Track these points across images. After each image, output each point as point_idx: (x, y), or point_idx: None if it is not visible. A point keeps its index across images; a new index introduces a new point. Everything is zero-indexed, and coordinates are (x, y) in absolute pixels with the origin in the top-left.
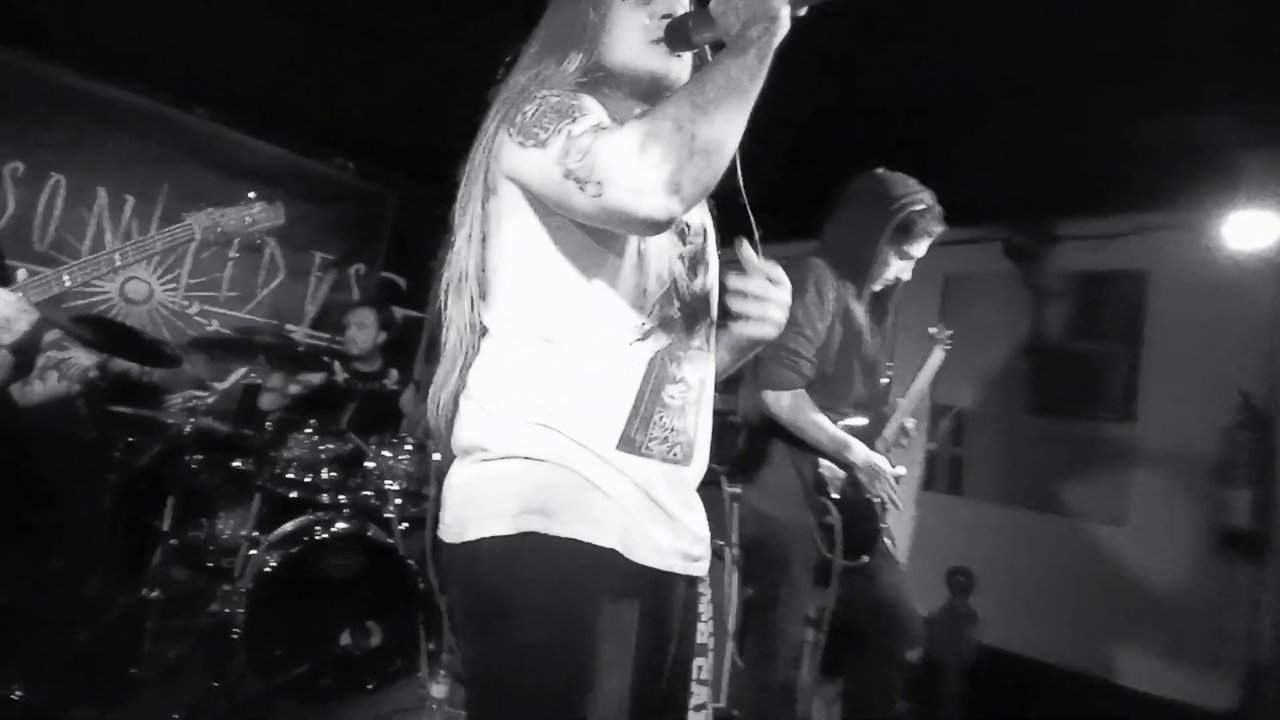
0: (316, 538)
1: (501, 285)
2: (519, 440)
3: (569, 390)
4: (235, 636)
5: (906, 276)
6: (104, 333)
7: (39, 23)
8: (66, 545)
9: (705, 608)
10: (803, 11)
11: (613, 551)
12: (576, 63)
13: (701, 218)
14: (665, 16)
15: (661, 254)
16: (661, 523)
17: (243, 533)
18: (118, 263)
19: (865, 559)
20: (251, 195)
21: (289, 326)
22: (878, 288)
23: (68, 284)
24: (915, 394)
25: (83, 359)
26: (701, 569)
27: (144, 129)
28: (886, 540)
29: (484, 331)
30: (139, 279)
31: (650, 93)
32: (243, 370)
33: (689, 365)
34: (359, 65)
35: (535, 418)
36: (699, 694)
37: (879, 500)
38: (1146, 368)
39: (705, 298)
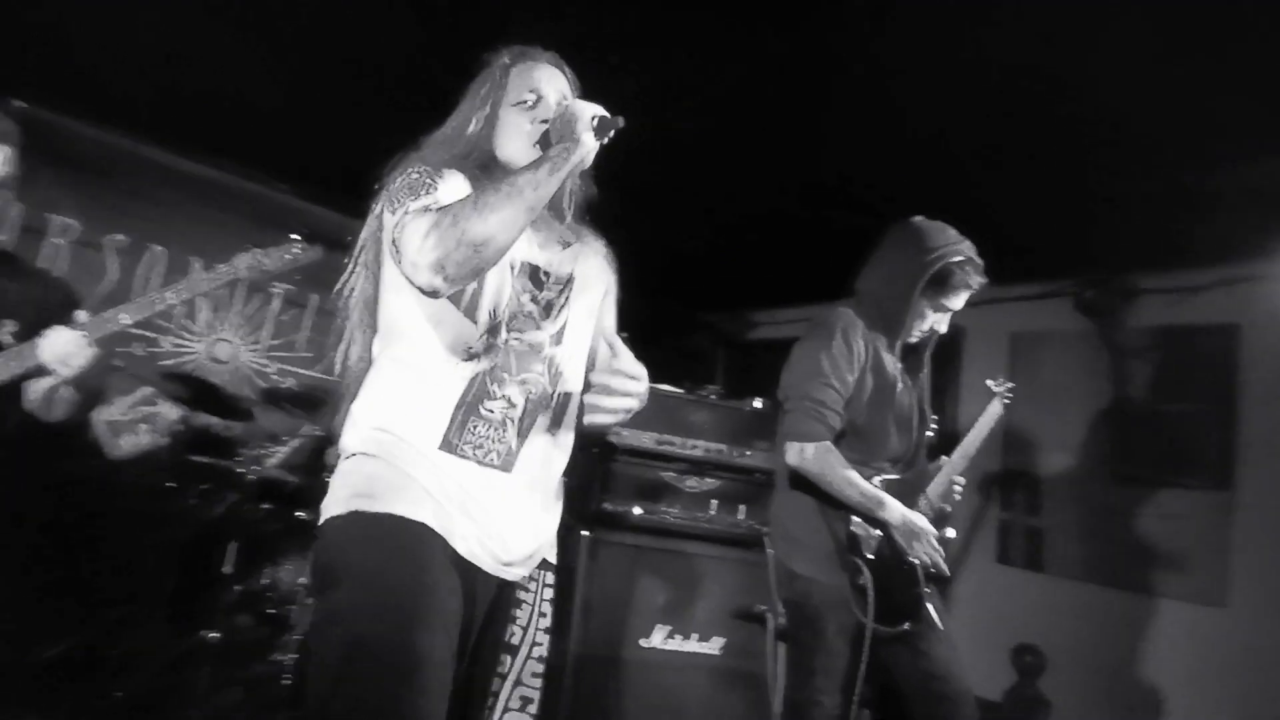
0: None
1: (386, 320)
2: (363, 441)
3: (405, 400)
4: (285, 684)
5: (942, 329)
6: (189, 388)
7: (136, 107)
8: (133, 589)
9: (523, 612)
10: (604, 140)
11: (425, 526)
12: (456, 149)
13: (572, 269)
14: (544, 122)
15: (497, 294)
16: (476, 521)
17: (300, 581)
18: (170, 299)
19: (906, 626)
20: (294, 237)
21: None
22: (912, 339)
23: (125, 322)
24: (966, 450)
25: (170, 413)
26: (513, 575)
27: (230, 203)
28: (930, 608)
29: (372, 361)
30: (225, 340)
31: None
32: (312, 426)
33: (514, 387)
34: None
35: (377, 423)
36: (503, 690)
37: (919, 563)
38: (1243, 429)
39: (547, 334)
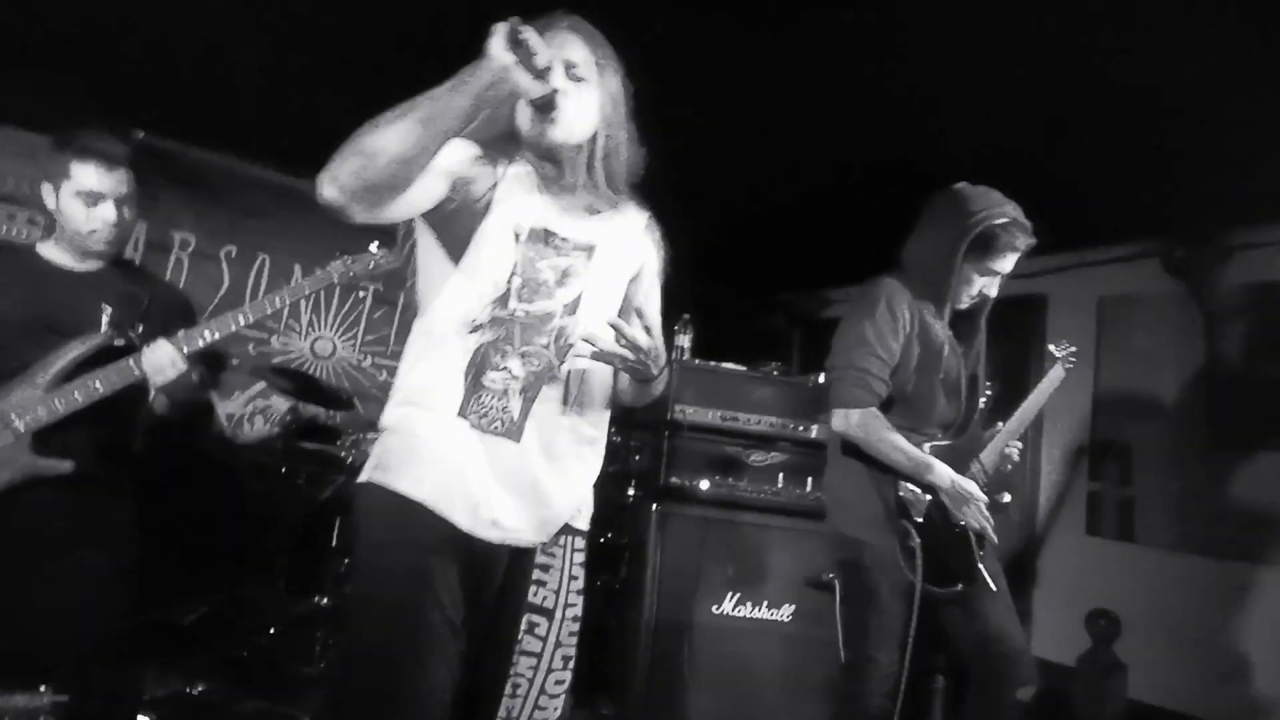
0: None
1: (415, 296)
2: (388, 415)
3: (425, 372)
4: None
5: (993, 292)
6: (295, 382)
7: (242, 132)
8: (255, 562)
9: (551, 576)
10: (515, 50)
11: (423, 507)
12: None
13: (591, 237)
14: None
15: (497, 267)
16: (480, 491)
17: None
18: (243, 319)
19: (960, 587)
20: (374, 245)
21: None
22: (963, 305)
23: (209, 338)
24: (1023, 416)
25: (281, 405)
26: (522, 540)
27: (322, 210)
28: (984, 569)
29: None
30: (325, 338)
31: (538, 154)
32: None
33: (515, 359)
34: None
35: (402, 396)
36: (545, 650)
37: (971, 526)
38: None
39: (560, 304)
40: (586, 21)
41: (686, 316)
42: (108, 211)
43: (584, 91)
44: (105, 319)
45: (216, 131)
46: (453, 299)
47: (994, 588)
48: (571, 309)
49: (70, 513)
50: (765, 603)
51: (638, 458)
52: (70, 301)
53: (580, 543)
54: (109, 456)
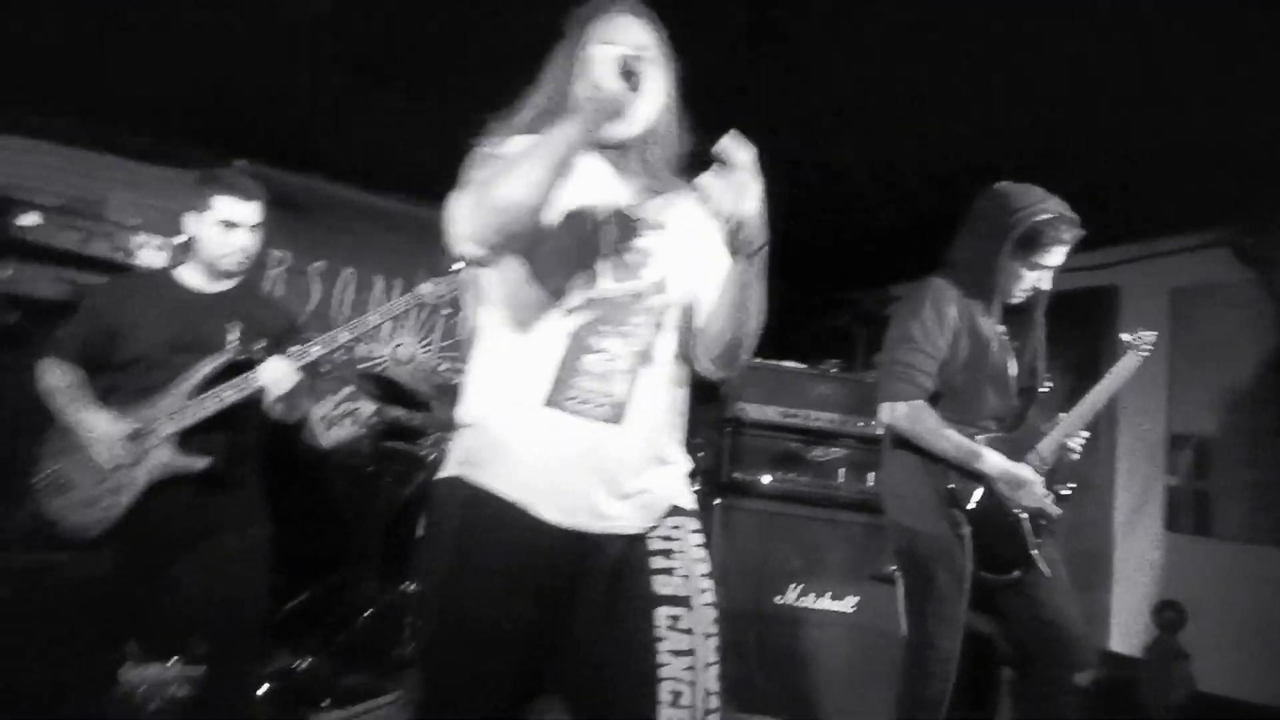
0: None
1: (484, 286)
2: (468, 412)
3: (507, 364)
4: None
5: (1046, 286)
6: (379, 386)
7: (327, 153)
8: (348, 553)
9: (676, 562)
10: (632, 83)
11: (510, 504)
12: (533, 113)
13: (661, 216)
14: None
15: (585, 249)
16: (579, 477)
17: None
18: (346, 336)
19: (1016, 574)
20: (456, 267)
21: None
22: (1016, 300)
23: (316, 353)
24: (1089, 405)
25: (367, 408)
26: (629, 526)
27: (405, 226)
28: (1038, 556)
29: (478, 330)
30: (405, 344)
31: (601, 144)
32: None
33: (617, 339)
34: None
35: (481, 391)
36: (675, 641)
37: (1026, 513)
38: None
39: (649, 282)
40: (641, 3)
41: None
42: (242, 238)
43: (649, 76)
44: (233, 336)
45: (305, 156)
46: (534, 287)
47: (1048, 574)
48: (660, 287)
49: (205, 504)
50: (829, 594)
51: (700, 454)
52: (203, 320)
53: (695, 524)
54: (238, 456)
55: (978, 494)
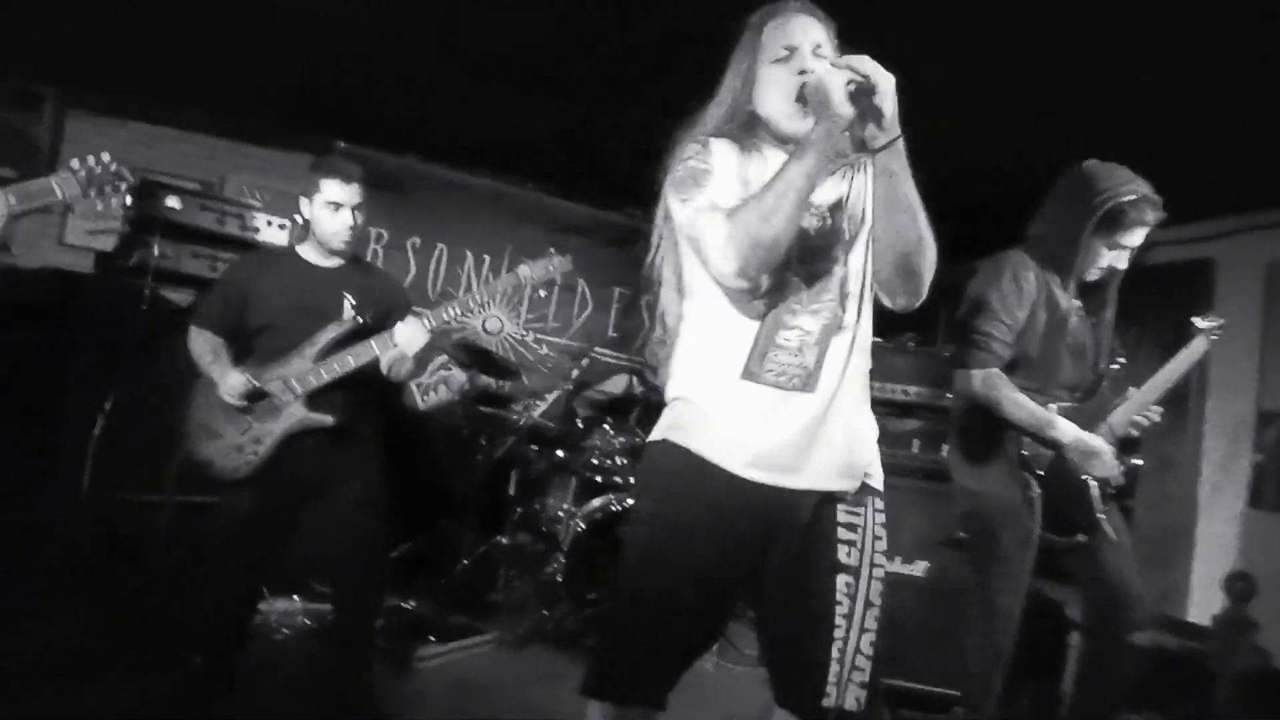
0: (612, 509)
1: (688, 280)
2: (678, 386)
3: (709, 344)
4: (559, 580)
5: (1122, 265)
6: (471, 355)
7: (422, 132)
8: (449, 509)
9: (857, 535)
10: (863, 107)
11: (716, 466)
12: (722, 113)
13: (838, 191)
14: (801, 73)
15: None
16: (779, 440)
17: (564, 506)
18: (478, 299)
19: (1081, 538)
20: (551, 251)
21: (596, 348)
22: (1093, 277)
23: (452, 314)
24: (1158, 383)
25: (460, 375)
26: (827, 485)
27: (492, 204)
28: (1104, 520)
29: (683, 318)
30: (494, 316)
31: (786, 141)
32: (570, 377)
33: (807, 316)
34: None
35: (688, 369)
36: (855, 610)
37: (1094, 480)
38: None
39: (830, 259)
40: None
41: None
42: (346, 217)
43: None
44: (348, 306)
45: (402, 138)
46: None
47: (1114, 538)
48: (844, 261)
49: (331, 455)
50: (899, 558)
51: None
52: (322, 292)
53: (881, 503)
54: (360, 412)
55: (1049, 458)
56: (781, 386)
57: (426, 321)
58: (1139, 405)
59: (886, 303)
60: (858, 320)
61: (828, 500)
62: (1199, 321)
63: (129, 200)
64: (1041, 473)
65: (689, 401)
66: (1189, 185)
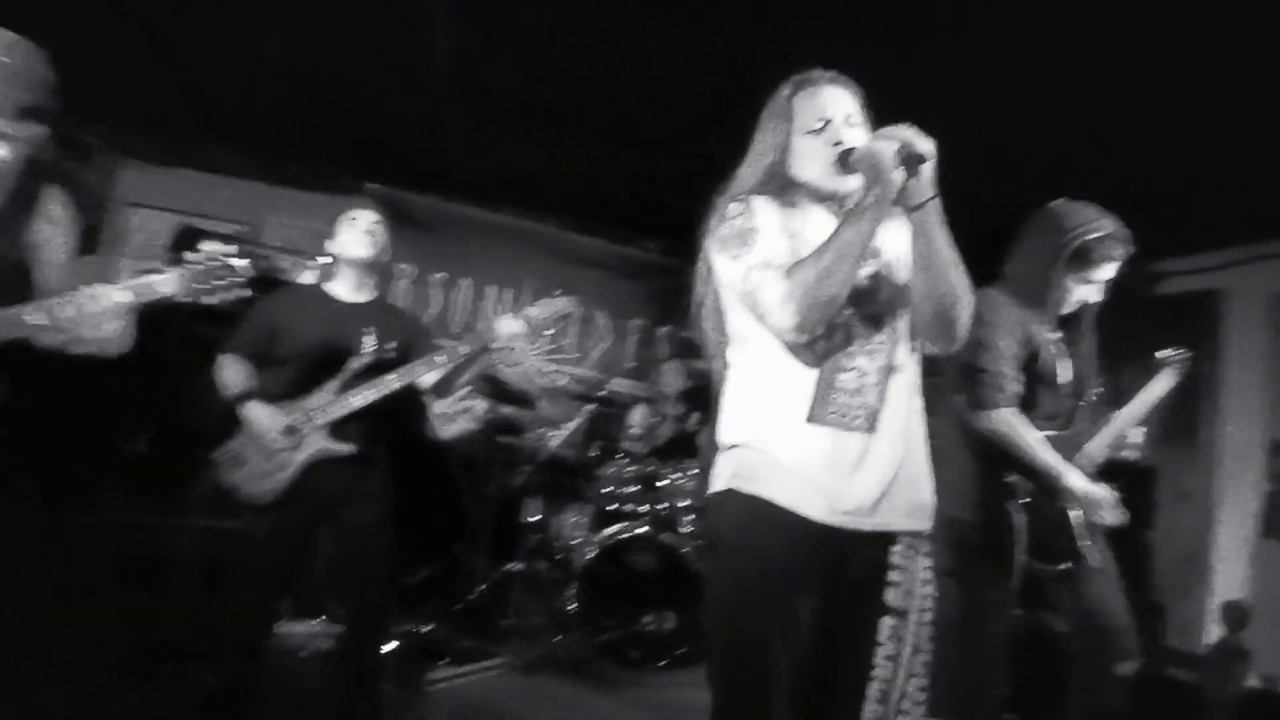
0: (622, 538)
1: (734, 332)
2: (738, 433)
3: (768, 390)
4: (571, 608)
5: (1096, 298)
6: (491, 385)
7: (445, 172)
8: (463, 534)
9: (903, 577)
10: (914, 173)
11: (786, 510)
12: (758, 176)
13: (882, 237)
14: (836, 144)
15: None
16: (840, 482)
17: (579, 534)
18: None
19: (1065, 566)
20: (558, 292)
21: (615, 379)
22: (1068, 310)
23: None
24: (1130, 415)
25: (481, 405)
26: (890, 525)
27: (513, 239)
28: (1086, 550)
29: (732, 365)
30: (515, 348)
31: (825, 199)
32: (586, 410)
33: (863, 356)
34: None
35: (747, 415)
36: (903, 653)
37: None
38: None
39: (881, 302)
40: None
41: None
42: (364, 226)
43: (860, 135)
44: (370, 340)
45: (426, 179)
46: None
47: (1096, 566)
48: (890, 305)
49: (349, 482)
50: None
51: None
52: (346, 326)
53: (927, 547)
54: (377, 441)
55: (1030, 489)
56: (847, 427)
57: (524, 320)
58: (1113, 435)
59: (927, 349)
60: (910, 360)
61: (883, 547)
62: (1162, 355)
63: (242, 294)
64: (1024, 501)
65: (750, 448)
66: (1198, 216)
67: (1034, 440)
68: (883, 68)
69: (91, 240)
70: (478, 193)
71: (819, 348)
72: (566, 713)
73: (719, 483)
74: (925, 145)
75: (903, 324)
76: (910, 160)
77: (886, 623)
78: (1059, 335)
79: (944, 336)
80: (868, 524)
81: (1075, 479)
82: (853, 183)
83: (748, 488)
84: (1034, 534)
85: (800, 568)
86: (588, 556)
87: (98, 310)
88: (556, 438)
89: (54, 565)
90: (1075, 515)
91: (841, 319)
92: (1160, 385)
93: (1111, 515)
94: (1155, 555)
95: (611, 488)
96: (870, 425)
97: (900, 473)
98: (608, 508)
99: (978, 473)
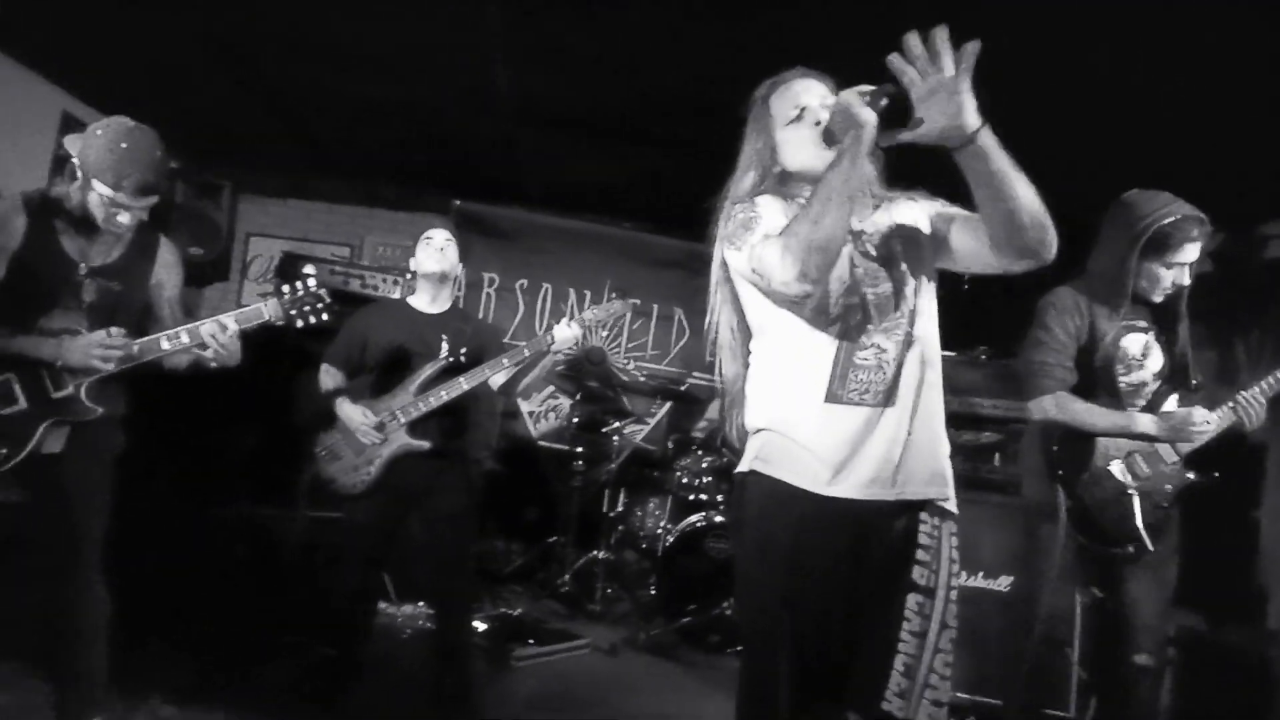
0: (699, 526)
1: (753, 324)
2: (760, 418)
3: (787, 375)
4: (654, 594)
5: (1185, 281)
6: (575, 384)
7: (524, 186)
8: (553, 526)
9: (928, 555)
10: (880, 107)
11: (804, 491)
12: (754, 178)
13: (889, 220)
14: (816, 124)
15: (839, 266)
16: (863, 454)
17: (661, 524)
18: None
19: (1128, 549)
20: (614, 295)
21: (695, 374)
22: (1159, 298)
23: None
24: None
25: (566, 403)
26: (912, 493)
27: (591, 244)
28: (1144, 531)
29: (749, 360)
30: (596, 348)
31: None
32: (665, 406)
33: (880, 335)
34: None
35: (769, 401)
36: (930, 630)
37: (1137, 493)
38: None
39: (896, 281)
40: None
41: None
42: (437, 245)
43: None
44: (445, 346)
45: (506, 193)
46: (800, 309)
47: (1150, 549)
48: (907, 281)
49: (429, 474)
50: (981, 573)
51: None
52: (424, 334)
53: (954, 527)
54: (453, 437)
55: (1090, 470)
56: (866, 404)
57: (579, 324)
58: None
59: (1018, 268)
60: (926, 334)
61: (913, 516)
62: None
63: (326, 316)
64: (1083, 482)
65: (774, 431)
66: None
67: (1086, 409)
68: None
69: (223, 267)
70: (553, 203)
71: (839, 327)
72: (646, 695)
73: (743, 465)
74: (888, 86)
75: (919, 301)
76: (877, 96)
77: (913, 599)
78: (1147, 323)
79: (1021, 250)
80: (890, 495)
81: (1143, 418)
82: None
83: (767, 470)
84: (1093, 517)
85: (818, 546)
86: (667, 545)
87: (216, 334)
88: (638, 432)
89: (190, 553)
90: (1138, 500)
91: (857, 298)
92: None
93: (1198, 431)
94: (1262, 535)
95: (689, 479)
96: (887, 400)
97: (915, 442)
98: (687, 497)
99: (1041, 454)
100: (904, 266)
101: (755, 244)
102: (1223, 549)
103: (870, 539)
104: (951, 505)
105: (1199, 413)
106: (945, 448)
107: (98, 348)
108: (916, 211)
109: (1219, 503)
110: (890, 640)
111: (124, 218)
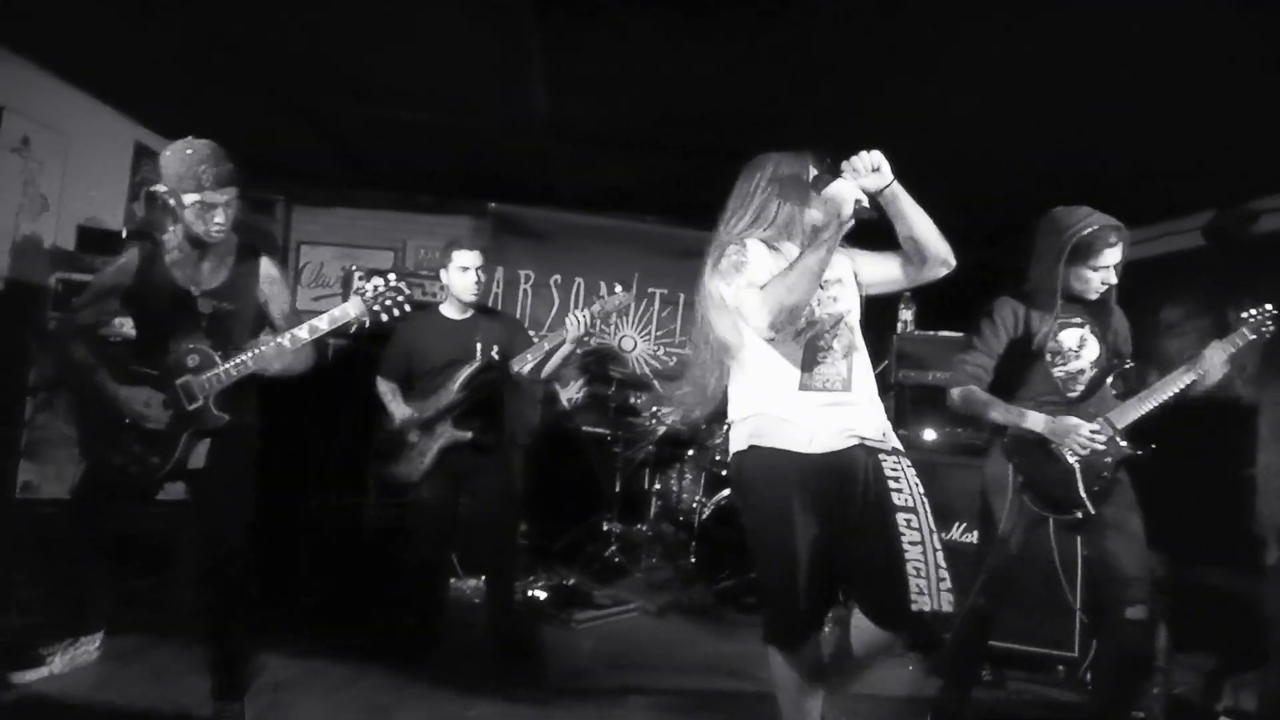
0: (731, 500)
1: (731, 340)
2: (748, 407)
3: (766, 374)
4: (693, 562)
5: (1113, 280)
6: (610, 373)
7: (556, 187)
8: (598, 501)
9: (901, 483)
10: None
11: (795, 453)
12: (745, 223)
13: (840, 271)
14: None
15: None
16: (831, 422)
17: (697, 498)
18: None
19: (1078, 515)
20: (619, 288)
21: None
22: (1093, 296)
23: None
24: (1159, 389)
25: (602, 390)
26: (874, 443)
27: (620, 239)
28: (1086, 498)
29: (736, 357)
30: (628, 335)
31: (803, 236)
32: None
33: (836, 339)
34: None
35: (754, 392)
36: (911, 535)
37: (1078, 461)
38: None
39: (843, 306)
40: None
41: (908, 294)
42: (472, 276)
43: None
44: (479, 348)
45: (539, 195)
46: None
47: (1093, 512)
48: (849, 306)
49: (474, 460)
50: (959, 525)
51: None
52: (460, 339)
53: (909, 460)
54: (491, 427)
55: (1031, 448)
56: (829, 389)
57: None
58: (1141, 405)
59: (929, 275)
60: (860, 336)
61: (872, 455)
62: (1245, 314)
63: (408, 308)
64: (1023, 458)
65: (763, 415)
66: None
67: (985, 402)
68: (917, 109)
69: None
70: (583, 203)
71: (804, 338)
72: (691, 650)
73: (739, 444)
74: (878, 180)
75: (856, 318)
76: (861, 211)
77: (901, 517)
78: (1082, 319)
79: (930, 262)
80: (853, 441)
81: (1034, 417)
82: (818, 215)
83: (762, 443)
84: (1044, 489)
85: (814, 489)
86: (703, 517)
87: (307, 339)
88: (671, 416)
89: (292, 538)
90: (1078, 468)
91: (818, 318)
92: (1206, 365)
93: (1081, 440)
94: (1257, 493)
95: (720, 455)
96: (846, 386)
97: (866, 409)
98: (719, 473)
99: (996, 441)
100: (847, 295)
101: (741, 288)
102: (1219, 505)
103: (849, 476)
104: (898, 444)
105: (1087, 426)
106: (882, 413)
107: None
108: (845, 259)
109: (1216, 462)
110: (896, 553)
111: (219, 217)
